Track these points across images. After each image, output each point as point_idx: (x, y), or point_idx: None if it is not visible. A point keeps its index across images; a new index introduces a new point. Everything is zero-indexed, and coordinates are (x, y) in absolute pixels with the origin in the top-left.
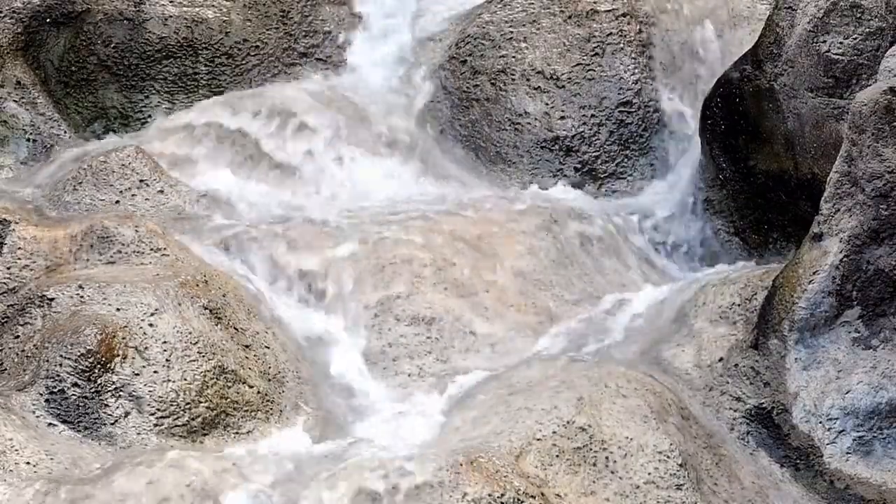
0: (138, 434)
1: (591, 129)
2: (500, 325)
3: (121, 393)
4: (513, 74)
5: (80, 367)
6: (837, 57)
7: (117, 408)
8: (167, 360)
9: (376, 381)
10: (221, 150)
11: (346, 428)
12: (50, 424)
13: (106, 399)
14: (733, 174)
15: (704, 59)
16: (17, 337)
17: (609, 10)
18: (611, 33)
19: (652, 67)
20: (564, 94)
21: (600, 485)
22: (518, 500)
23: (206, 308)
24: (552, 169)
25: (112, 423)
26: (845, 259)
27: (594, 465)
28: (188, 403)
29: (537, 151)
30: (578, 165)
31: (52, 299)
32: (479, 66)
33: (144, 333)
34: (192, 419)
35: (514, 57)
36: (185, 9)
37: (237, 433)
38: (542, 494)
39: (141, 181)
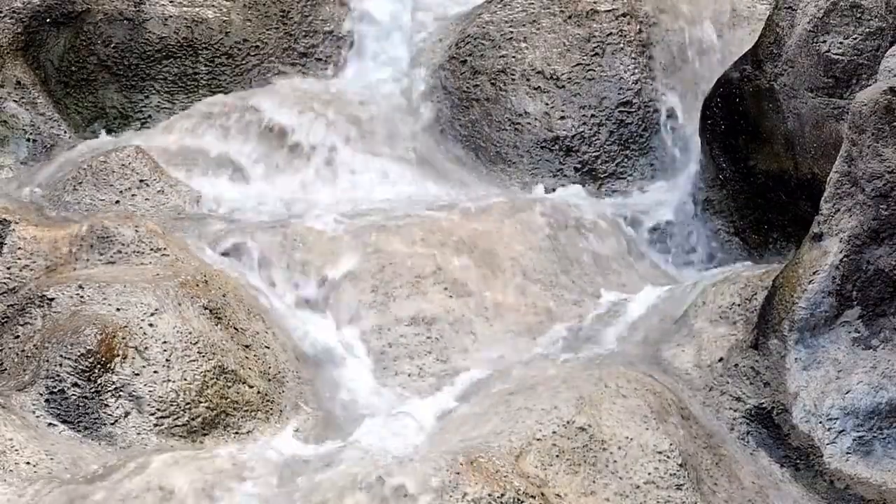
0: (138, 434)
1: (591, 129)
2: (500, 325)
3: (121, 393)
4: (513, 74)
5: (80, 367)
6: (837, 57)
7: (117, 408)
8: (167, 360)
9: (376, 381)
10: (221, 150)
11: (346, 428)
12: (50, 424)
13: (106, 399)
14: (733, 174)
15: (704, 59)
16: (17, 337)
17: (609, 10)
18: (611, 33)
19: (652, 67)
20: (564, 94)
21: (600, 485)
22: (518, 500)
23: (206, 308)
24: (552, 169)
25: (112, 423)
26: (845, 259)
27: (594, 465)
28: (188, 403)
29: (537, 151)
30: (578, 165)
31: (52, 299)
32: (479, 66)
33: (144, 333)
34: (192, 419)
35: (514, 57)
36: (185, 9)
37: (237, 433)
38: (542, 494)
39: (141, 181)
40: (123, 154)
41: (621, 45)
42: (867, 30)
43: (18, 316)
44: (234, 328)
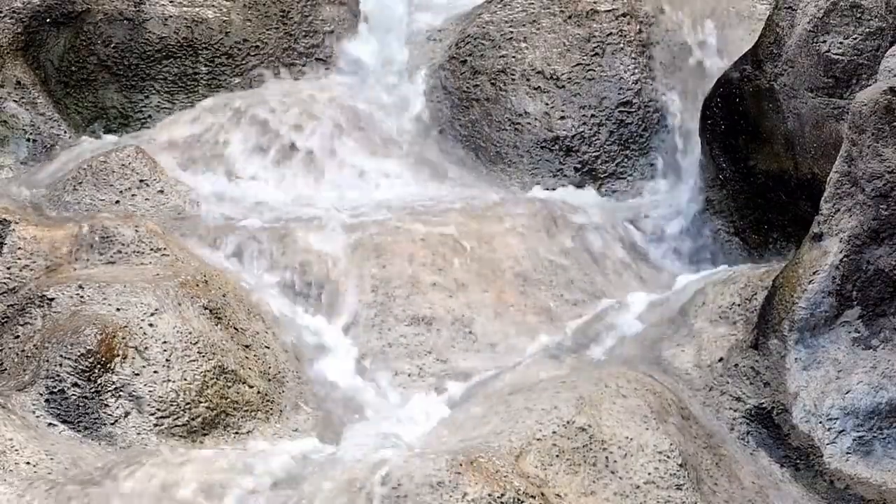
0: (138, 434)
1: (591, 129)
2: (500, 325)
3: (121, 393)
4: (513, 74)
5: (80, 367)
6: (837, 57)
7: (117, 408)
8: (167, 360)
9: (376, 380)
10: (221, 150)
11: (345, 428)
12: (50, 424)
13: (106, 399)
14: (733, 174)
15: (704, 59)
16: (17, 337)
17: (609, 10)
18: (611, 33)
19: (652, 67)
20: (564, 94)
21: (600, 485)
22: (518, 500)
23: (206, 308)
24: (552, 169)
25: (112, 423)
26: (845, 259)
27: (594, 465)
28: (188, 403)
29: (537, 151)
30: (578, 165)
31: (52, 299)
32: (479, 66)
33: (144, 333)
34: (192, 419)
35: (514, 57)
36: (185, 9)
37: (237, 433)
38: (542, 494)
39: (141, 181)
40: (123, 154)
41: (621, 45)
42: (867, 30)
43: (18, 316)
44: (234, 328)
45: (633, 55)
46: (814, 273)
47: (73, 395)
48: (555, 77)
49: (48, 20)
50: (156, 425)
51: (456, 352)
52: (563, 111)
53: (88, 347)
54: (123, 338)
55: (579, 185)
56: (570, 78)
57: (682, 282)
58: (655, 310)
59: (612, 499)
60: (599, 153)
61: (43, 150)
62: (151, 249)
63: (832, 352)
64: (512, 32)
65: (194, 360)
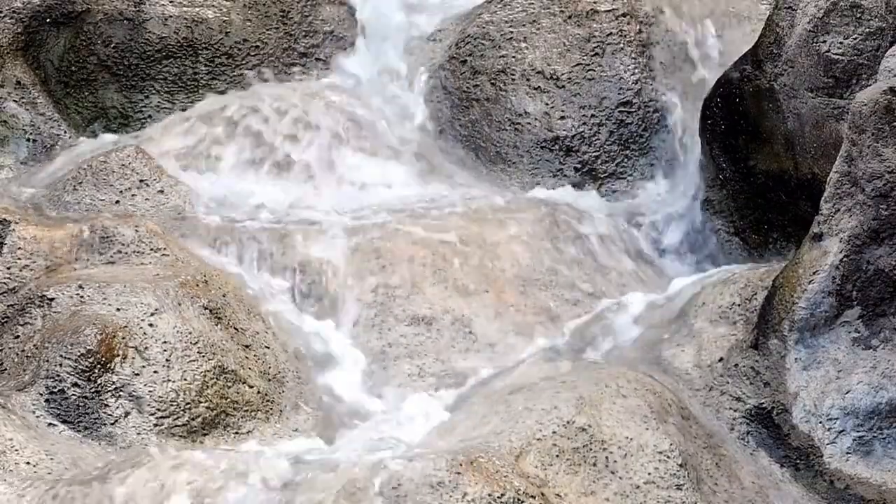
0: (138, 434)
1: (591, 129)
2: (500, 325)
3: (121, 393)
4: (513, 74)
5: (80, 367)
6: (837, 57)
7: (117, 408)
8: (167, 360)
9: (376, 380)
10: (221, 150)
11: (345, 428)
12: (50, 424)
13: (106, 399)
14: (733, 174)
15: (704, 58)
16: (17, 337)
17: (609, 10)
18: (611, 33)
19: (652, 67)
20: (564, 94)
21: (600, 485)
22: (518, 500)
23: (206, 308)
24: (552, 169)
25: (112, 423)
26: (845, 259)
27: (594, 465)
28: (188, 403)
29: (537, 151)
30: (578, 165)
31: (52, 299)
32: (479, 66)
33: (144, 333)
34: (192, 419)
35: (514, 57)
36: (185, 9)
37: (237, 433)
38: (542, 494)
39: (141, 181)
40: (123, 154)
41: (621, 45)
42: (867, 30)
43: (18, 316)
44: (234, 328)
45: (633, 55)
46: (814, 273)
47: (73, 395)
48: (555, 77)
49: (48, 20)
50: (156, 425)
51: (456, 352)
52: (563, 111)
53: (88, 347)
54: (123, 338)
55: (579, 186)
56: (570, 78)
57: (682, 282)
58: (655, 310)
59: (612, 499)
60: (599, 153)
61: (43, 150)
62: (151, 249)
63: (832, 352)
64: (512, 32)
65: (194, 360)
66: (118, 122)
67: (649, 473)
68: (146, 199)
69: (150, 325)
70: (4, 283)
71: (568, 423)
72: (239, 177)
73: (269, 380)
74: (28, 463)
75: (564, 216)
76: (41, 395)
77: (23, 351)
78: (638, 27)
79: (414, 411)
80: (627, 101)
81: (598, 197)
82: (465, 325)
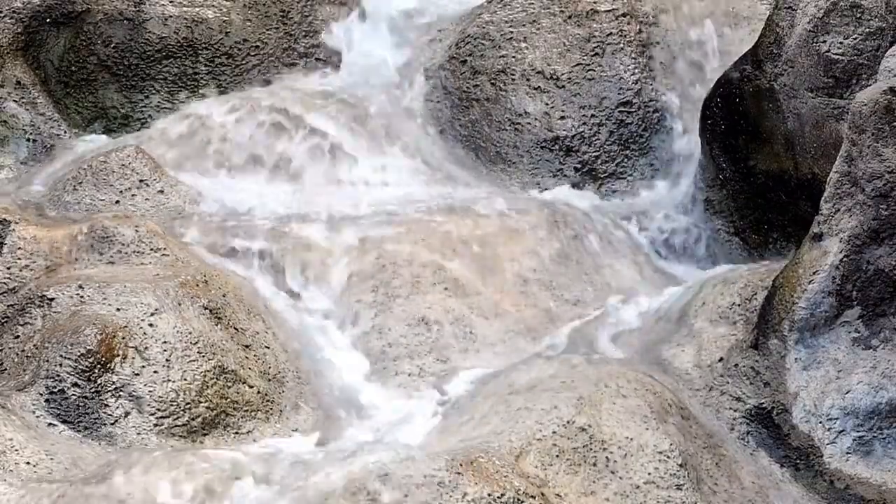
0: (138, 434)
1: (591, 129)
2: (500, 325)
3: (121, 393)
4: (513, 74)
5: (80, 367)
6: (837, 57)
7: (117, 408)
8: (167, 360)
9: (376, 381)
10: (221, 150)
11: (346, 428)
12: (50, 424)
13: (106, 399)
14: (733, 174)
15: (704, 59)
16: (17, 337)
17: (609, 10)
18: (611, 33)
19: (652, 67)
20: (564, 94)
21: (600, 485)
22: (518, 500)
23: (206, 308)
24: (552, 169)
25: (112, 423)
26: (845, 259)
27: (594, 465)
28: (188, 403)
29: (537, 151)
30: (578, 165)
31: (52, 299)
32: (479, 66)
33: (144, 333)
34: (192, 419)
35: (514, 57)
36: (185, 9)
37: (237, 433)
38: (542, 494)
39: (141, 181)
40: (123, 154)
41: (621, 45)
42: (867, 30)
43: (18, 316)
44: (234, 328)
45: (633, 55)
46: (814, 273)
47: (73, 395)
48: (555, 77)
49: (48, 20)
50: (156, 425)
51: (456, 352)
52: (563, 111)
53: (88, 347)
54: (123, 338)
55: (579, 185)
56: (570, 78)
57: (682, 282)
58: (655, 310)
59: (612, 499)
60: (599, 153)
61: (43, 150)
62: (151, 249)
63: (832, 352)
64: (512, 32)
65: (194, 360)
66: (118, 122)
67: (649, 473)
68: (146, 199)
69: (150, 325)
70: (4, 283)
71: (568, 423)
72: (239, 177)
73: (269, 380)
74: (28, 463)
75: (564, 216)
76: (41, 395)
77: (23, 351)
78: (638, 27)
79: (414, 411)
80: (627, 101)
81: (598, 197)
82: (465, 325)
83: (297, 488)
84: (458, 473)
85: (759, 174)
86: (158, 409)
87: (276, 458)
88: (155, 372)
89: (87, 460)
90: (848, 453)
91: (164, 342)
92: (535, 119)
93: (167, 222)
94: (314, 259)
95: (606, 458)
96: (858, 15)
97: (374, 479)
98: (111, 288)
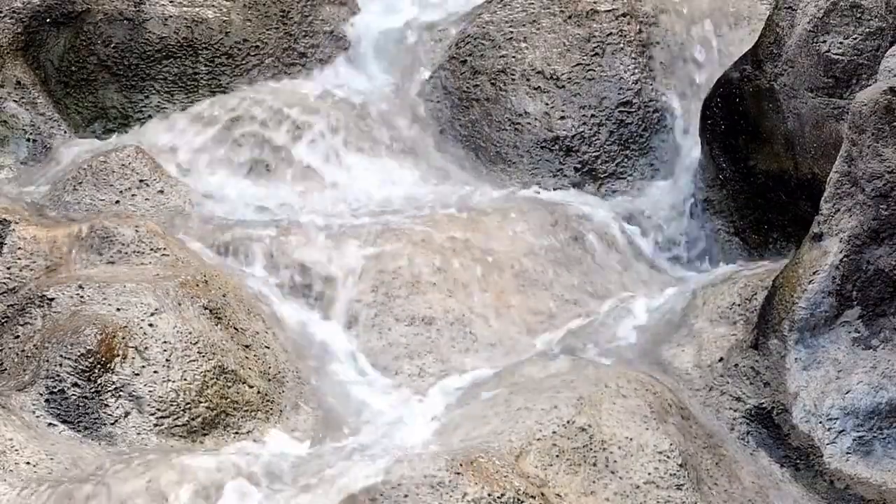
0: (138, 434)
1: (591, 129)
2: (500, 325)
3: (121, 393)
4: (513, 74)
5: (80, 367)
6: (837, 57)
7: (117, 408)
8: (167, 360)
9: (376, 380)
10: (222, 150)
11: (345, 428)
12: (50, 424)
13: (106, 399)
14: (733, 174)
15: (704, 58)
16: (17, 337)
17: (609, 10)
18: (611, 33)
19: (652, 67)
20: (564, 94)
21: (600, 485)
22: (518, 500)
23: (206, 308)
24: (552, 169)
25: (112, 423)
26: (845, 259)
27: (594, 465)
28: (188, 403)
29: (537, 151)
30: (578, 165)
31: (52, 299)
32: (479, 66)
33: (144, 333)
34: (192, 419)
35: (514, 57)
36: (185, 9)
37: (237, 433)
38: (542, 494)
39: (141, 181)
40: (123, 154)
41: (621, 45)
42: (867, 30)
43: (18, 316)
44: (234, 328)
45: (633, 55)
46: (814, 273)
47: (73, 395)
48: (555, 77)
49: (48, 20)
50: (156, 425)
51: (456, 352)
52: (563, 111)
53: (88, 347)
54: (123, 338)
55: (579, 185)
56: (570, 78)
57: (682, 282)
58: (655, 310)
59: (612, 499)
60: (599, 153)
61: (43, 150)
62: (151, 249)
63: (832, 352)
64: (512, 32)
65: (194, 360)
66: (118, 122)
67: (649, 473)
68: (146, 199)
69: (150, 325)
70: (4, 283)
71: (568, 423)
72: (239, 176)
73: (269, 380)
74: (28, 463)
75: (564, 216)
76: (41, 395)
77: (23, 351)
78: (638, 27)
79: (414, 411)
80: (627, 101)
81: (598, 197)
82: (465, 325)
83: (296, 489)
84: (458, 473)
85: (759, 174)
86: (158, 409)
87: (275, 458)
88: (155, 372)
89: (87, 460)
90: (848, 453)
91: (164, 342)
92: (535, 119)
93: (167, 222)
94: (314, 259)
95: (606, 458)
96: (858, 15)
97: (374, 479)
98: (111, 288)
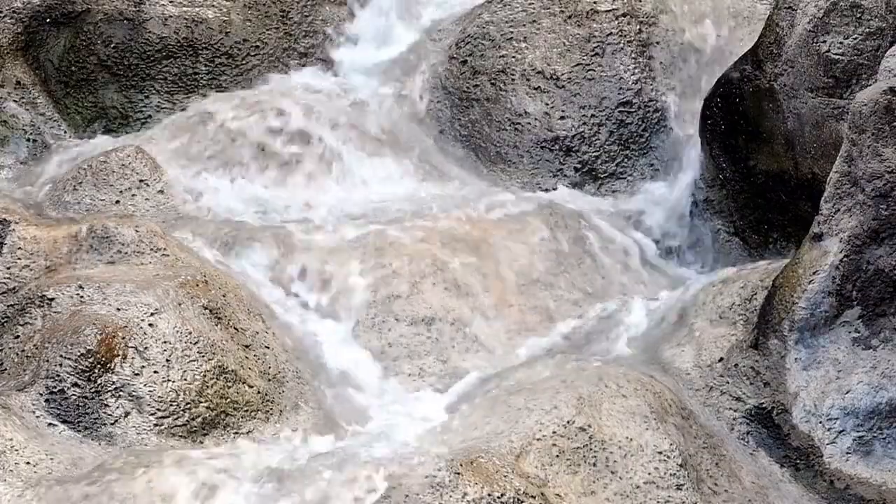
0: (138, 434)
1: (591, 129)
2: (500, 325)
3: (121, 393)
4: (513, 74)
5: (80, 367)
6: (837, 57)
7: (117, 408)
8: (167, 360)
9: (376, 381)
10: (222, 150)
11: (345, 428)
12: (50, 424)
13: (106, 399)
14: (733, 174)
15: (704, 59)
16: (17, 337)
17: (609, 10)
18: (611, 33)
19: (652, 67)
20: (564, 94)
21: (600, 485)
22: (518, 500)
23: (206, 308)
24: (552, 169)
25: (112, 423)
26: (845, 259)
27: (594, 465)
28: (188, 403)
29: (537, 151)
30: (578, 165)
31: (52, 299)
32: (479, 66)
33: (144, 333)
34: (192, 419)
35: (514, 57)
36: (185, 9)
37: (237, 433)
38: (542, 494)
39: (141, 181)
40: (123, 154)
41: (621, 45)
42: (867, 30)
43: (18, 316)
44: (234, 328)
45: (633, 55)
46: (814, 273)
47: (73, 395)
48: (555, 77)
49: (48, 20)
50: (156, 425)
51: (456, 352)
52: (563, 111)
53: (88, 347)
54: (123, 338)
55: (579, 185)
56: (570, 78)
57: (682, 282)
58: (655, 310)
59: (612, 499)
60: (599, 153)
61: (43, 150)
62: (151, 249)
63: (832, 352)
64: (512, 32)
65: (194, 360)
66: (118, 122)
67: (649, 473)
68: (146, 199)
69: (150, 325)
70: (4, 283)
71: (568, 423)
72: (239, 176)
73: (269, 380)
74: (28, 463)
75: (564, 216)
76: (41, 395)
77: (23, 351)
78: (638, 27)
79: (414, 411)
80: (627, 101)
81: (598, 197)
82: (465, 325)
83: (296, 489)
84: (458, 473)
85: (759, 174)
86: (158, 409)
87: (275, 458)
88: (155, 372)
89: (87, 460)
90: (848, 453)
91: (164, 342)
92: (535, 119)
93: (167, 222)
94: (314, 259)
95: (606, 458)
96: (858, 15)
97: (374, 479)
98: (111, 288)
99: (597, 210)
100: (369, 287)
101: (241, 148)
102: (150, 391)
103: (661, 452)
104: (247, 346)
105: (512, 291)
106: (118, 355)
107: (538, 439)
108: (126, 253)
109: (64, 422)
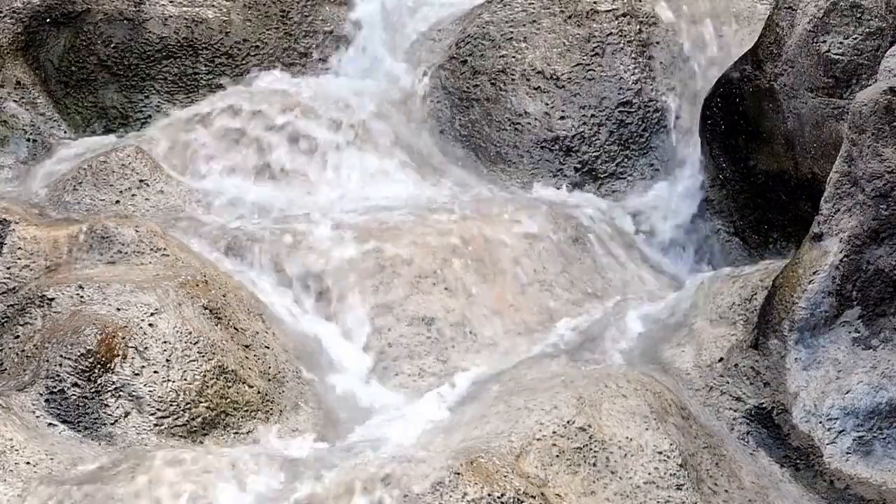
0: (138, 434)
1: (591, 129)
2: (500, 325)
3: (121, 393)
4: (513, 74)
5: (80, 367)
6: (837, 57)
7: (117, 408)
8: (167, 360)
9: (376, 381)
10: (221, 150)
11: (345, 428)
12: (50, 424)
13: (106, 399)
14: (733, 174)
15: (704, 59)
16: (17, 337)
17: (609, 10)
18: (611, 33)
19: (652, 67)
20: (564, 94)
21: (600, 485)
22: (518, 500)
23: (206, 308)
24: (552, 169)
25: (112, 423)
26: (845, 259)
27: (594, 465)
28: (188, 403)
29: (537, 151)
30: (578, 165)
31: (52, 299)
32: (479, 66)
33: (144, 333)
34: (192, 419)
35: (514, 57)
36: (185, 9)
37: (237, 433)
38: (542, 494)
39: (141, 181)
40: (123, 154)
41: (621, 45)
42: (867, 30)
43: (18, 316)
44: (234, 328)
45: (633, 55)
46: (814, 273)
47: (73, 395)
48: (555, 77)
49: (48, 20)
50: (156, 425)
51: (456, 352)
52: (563, 111)
53: (88, 347)
54: (123, 338)
55: (579, 185)
56: (570, 78)
57: (682, 282)
58: (655, 310)
59: (612, 499)
60: (599, 153)
61: (43, 150)
62: (151, 249)
63: (832, 352)
64: (512, 32)
65: (194, 360)
66: (118, 122)
67: (649, 473)
68: (146, 199)
69: (150, 325)
70: (4, 283)
71: (568, 423)
72: (239, 176)
73: (269, 380)
74: (28, 463)
75: (564, 216)
76: (41, 395)
77: (23, 351)
78: (638, 27)
79: (414, 411)
80: (627, 101)
81: (598, 197)
82: (465, 325)
83: (296, 489)
84: (458, 473)
85: (759, 174)
86: (158, 409)
87: (275, 458)
88: (155, 372)
89: (86, 460)
90: (848, 453)
91: (164, 342)
92: (535, 119)
93: (167, 222)
94: (314, 259)
95: (606, 458)
96: (858, 15)
97: (374, 479)
98: (111, 288)
99: (597, 210)
100: (369, 287)
101: (240, 148)
102: (150, 391)
103: (661, 452)
104: (247, 346)
105: (512, 291)
106: (118, 355)
107: (538, 439)
108: (126, 253)
109: (64, 422)
